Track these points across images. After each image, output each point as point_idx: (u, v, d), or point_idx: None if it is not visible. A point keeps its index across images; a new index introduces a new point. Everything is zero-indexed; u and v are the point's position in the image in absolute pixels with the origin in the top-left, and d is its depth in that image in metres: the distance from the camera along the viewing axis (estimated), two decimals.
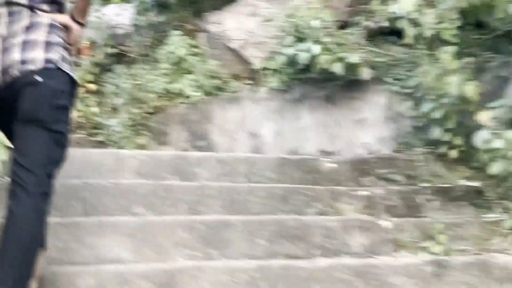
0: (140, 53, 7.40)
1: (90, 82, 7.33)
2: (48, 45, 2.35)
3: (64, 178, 3.19)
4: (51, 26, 2.41)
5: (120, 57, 7.70)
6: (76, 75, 2.49)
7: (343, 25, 6.04)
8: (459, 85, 3.76)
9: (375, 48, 5.26)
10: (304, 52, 4.99)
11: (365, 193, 3.61)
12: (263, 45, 6.14)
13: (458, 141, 4.02)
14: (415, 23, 4.28)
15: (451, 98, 3.92)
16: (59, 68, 2.33)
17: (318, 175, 3.94)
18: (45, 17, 2.41)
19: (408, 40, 4.25)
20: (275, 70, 5.58)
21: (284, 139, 5.60)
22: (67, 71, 2.38)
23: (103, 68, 7.57)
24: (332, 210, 3.43)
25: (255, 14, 6.35)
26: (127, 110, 6.67)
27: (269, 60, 5.70)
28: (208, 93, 6.40)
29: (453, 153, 4.06)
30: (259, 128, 5.82)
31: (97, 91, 7.39)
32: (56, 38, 2.40)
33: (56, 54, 2.35)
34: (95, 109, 7.10)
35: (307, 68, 5.25)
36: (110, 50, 7.52)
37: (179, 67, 6.78)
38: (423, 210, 3.73)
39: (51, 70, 2.30)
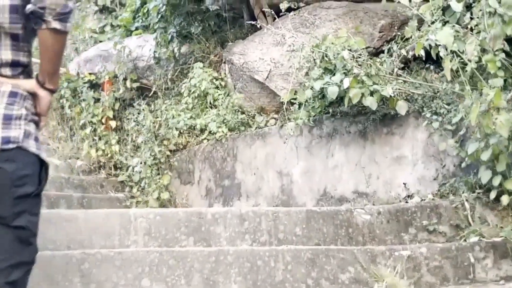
0: (162, 86, 7.15)
1: (110, 118, 7.10)
2: (7, 119, 1.97)
3: (64, 247, 2.88)
4: (13, 95, 2.03)
5: (142, 91, 7.47)
6: (44, 153, 2.13)
7: (375, 52, 5.66)
8: (509, 123, 3.32)
9: (411, 78, 4.85)
10: (333, 85, 4.61)
11: (406, 252, 3.17)
12: (289, 76, 5.78)
13: (510, 186, 3.56)
14: (455, 53, 3.86)
15: (500, 138, 3.47)
16: (21, 148, 1.96)
17: (352, 229, 3.53)
18: (4, 84, 2.02)
19: (447, 74, 3.81)
20: (303, 103, 5.21)
21: (315, 179, 5.22)
22: (33, 150, 2.02)
23: (124, 103, 7.35)
24: (369, 275, 3.01)
25: (281, 43, 6.02)
26: (148, 148, 6.39)
27: (296, 92, 5.33)
28: (233, 129, 6.09)
29: (505, 200, 3.60)
30: (288, 166, 5.46)
31: (118, 127, 7.16)
32: (18, 110, 2.03)
33: (17, 131, 1.97)
34: (116, 147, 6.86)
35: (337, 101, 4.87)
36: (131, 84, 7.28)
37: (203, 101, 6.51)
38: (473, 270, 3.28)
39: (9, 152, 1.91)
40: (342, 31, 5.30)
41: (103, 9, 12.48)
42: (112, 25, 11.36)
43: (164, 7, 7.05)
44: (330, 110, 5.13)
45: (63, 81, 7.60)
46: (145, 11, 9.32)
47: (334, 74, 4.77)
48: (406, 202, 4.41)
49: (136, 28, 9.34)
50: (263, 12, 6.82)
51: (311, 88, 4.84)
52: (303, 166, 5.34)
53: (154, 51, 7.29)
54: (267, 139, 5.70)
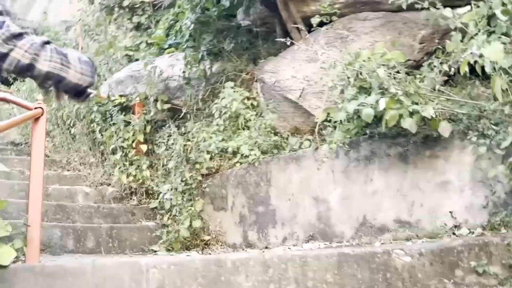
0: (192, 107, 6.94)
1: (141, 142, 6.93)
2: None
3: None
4: None
5: (173, 112, 7.28)
6: None
7: (416, 65, 5.31)
8: None
9: (454, 94, 4.46)
10: (368, 107, 4.29)
11: None
12: (324, 94, 5.49)
13: None
14: (505, 70, 3.49)
15: None
16: None
17: (390, 274, 3.18)
18: None
19: (498, 95, 3.44)
20: (338, 123, 4.90)
21: (353, 206, 4.90)
22: None
23: (155, 126, 7.18)
24: None
25: (314, 59, 5.71)
26: (179, 173, 6.18)
27: (331, 111, 5.02)
28: (266, 152, 5.82)
29: None
30: (324, 192, 5.15)
31: (149, 151, 6.98)
32: None
33: None
34: (147, 173, 6.69)
35: (374, 121, 4.53)
36: (162, 106, 7.10)
37: (234, 123, 6.27)
38: None
39: None
40: (379, 44, 4.97)
41: (138, 26, 12.46)
42: (147, 43, 11.30)
43: (193, 25, 6.85)
44: (367, 131, 4.81)
45: (93, 104, 7.49)
46: (177, 28, 9.19)
47: (369, 94, 4.45)
48: (453, 233, 4.04)
49: (169, 46, 9.21)
50: (296, 26, 6.56)
51: (345, 111, 4.52)
52: (340, 192, 5.02)
53: (183, 71, 7.10)
54: (301, 162, 5.40)
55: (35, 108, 4.04)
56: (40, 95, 4.20)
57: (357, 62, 4.61)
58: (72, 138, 7.63)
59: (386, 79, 4.34)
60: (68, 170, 7.29)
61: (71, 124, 7.67)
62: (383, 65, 4.57)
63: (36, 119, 4.02)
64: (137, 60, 10.58)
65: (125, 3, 12.33)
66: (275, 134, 5.99)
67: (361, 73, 4.56)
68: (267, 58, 6.47)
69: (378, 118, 4.42)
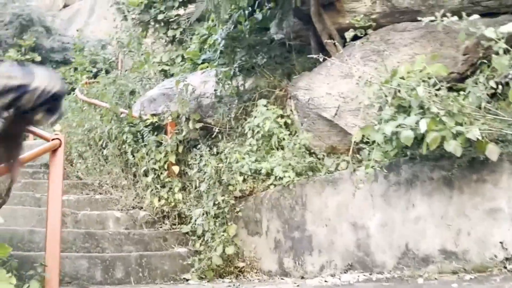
0: (225, 126, 6.73)
1: (173, 164, 6.76)
2: None
3: None
4: None
5: (206, 131, 7.09)
6: None
7: (460, 78, 4.98)
8: None
9: (503, 112, 4.11)
10: (407, 129, 3.98)
11: None
12: (360, 111, 5.19)
13: None
14: None
15: None
16: None
17: None
18: None
19: None
20: (376, 145, 4.59)
21: (394, 233, 4.59)
22: None
23: (187, 146, 6.99)
24: None
25: (349, 74, 5.44)
26: (212, 196, 5.97)
27: (368, 131, 4.72)
28: (300, 174, 5.55)
29: None
30: (363, 217, 4.86)
31: (181, 173, 6.81)
32: None
33: None
34: (179, 195, 6.51)
35: (415, 142, 4.22)
36: (194, 125, 6.91)
37: (267, 142, 6.04)
38: None
39: None
40: (419, 57, 4.65)
41: (173, 40, 12.38)
42: (182, 57, 11.20)
43: (224, 41, 6.64)
44: (408, 153, 4.49)
45: (125, 125, 7.37)
46: (210, 42, 9.02)
47: (408, 113, 4.15)
48: (504, 267, 3.69)
49: (203, 61, 9.04)
50: (332, 39, 6.29)
51: (382, 133, 4.22)
52: (380, 218, 4.71)
53: (215, 90, 6.90)
54: (338, 185, 5.12)
55: (53, 139, 3.89)
56: (58, 125, 4.05)
57: (395, 80, 4.31)
58: (105, 160, 7.52)
59: (426, 98, 4.03)
60: (100, 194, 7.18)
61: (104, 145, 7.56)
62: (423, 81, 4.27)
63: (54, 150, 3.87)
64: (172, 75, 10.50)
65: (160, 17, 12.27)
66: (310, 154, 5.73)
67: (399, 91, 4.26)
68: (301, 73, 6.21)
69: (419, 140, 4.11)
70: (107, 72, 16.45)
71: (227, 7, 5.34)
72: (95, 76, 14.43)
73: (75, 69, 19.55)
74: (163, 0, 12.15)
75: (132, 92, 9.71)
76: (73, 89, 11.66)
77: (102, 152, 7.58)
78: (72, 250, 5.45)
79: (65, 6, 32.09)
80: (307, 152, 5.72)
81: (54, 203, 3.76)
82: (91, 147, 7.83)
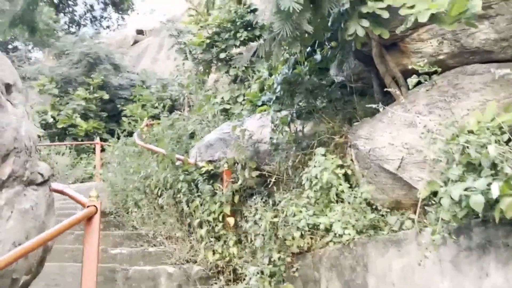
0: (282, 175, 6.43)
1: (228, 215, 6.50)
2: None
3: None
4: None
5: (262, 179, 6.81)
6: None
7: None
8: None
9: None
10: (478, 193, 3.56)
11: None
12: (427, 165, 4.78)
13: None
14: None
15: None
16: None
17: None
18: None
19: None
20: (443, 205, 4.17)
21: None
22: None
23: (244, 194, 6.72)
24: None
25: (414, 123, 5.04)
26: (267, 252, 5.66)
27: (435, 187, 4.31)
28: (362, 231, 5.16)
29: None
30: (430, 284, 4.41)
31: (237, 224, 6.54)
32: None
33: None
34: (234, 250, 6.23)
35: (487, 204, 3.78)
36: (250, 173, 6.65)
37: (326, 195, 5.69)
38: None
39: None
40: (491, 105, 4.23)
41: (235, 79, 12.28)
42: (244, 96, 11.04)
43: (279, 86, 6.39)
44: (480, 214, 4.04)
45: (180, 173, 7.20)
46: (270, 83, 8.80)
47: (478, 173, 3.72)
48: None
49: (263, 103, 8.81)
50: (395, 81, 5.92)
51: (448, 196, 3.80)
52: (449, 287, 4.24)
53: (271, 137, 6.63)
54: (402, 247, 4.70)
55: (88, 206, 3.70)
56: (94, 190, 3.87)
57: (463, 136, 3.90)
58: (160, 209, 7.36)
59: (499, 157, 3.60)
60: (153, 245, 7.00)
61: (159, 194, 7.42)
62: (495, 134, 3.84)
63: (89, 219, 3.68)
64: (233, 114, 10.34)
65: (222, 56, 12.22)
66: (372, 209, 5.34)
67: (467, 147, 3.85)
68: (362, 120, 5.85)
69: (491, 204, 3.68)
70: (171, 111, 16.59)
71: (279, 54, 5.09)
72: (158, 117, 14.48)
73: (143, 105, 19.85)
74: (224, 39, 12.11)
75: (192, 136, 9.61)
76: (131, 134, 11.69)
77: (158, 201, 7.42)
78: None
79: (135, 42, 33.04)
80: (369, 206, 5.33)
81: (89, 278, 3.55)
82: (147, 195, 7.70)
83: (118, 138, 11.95)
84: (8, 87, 3.52)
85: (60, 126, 18.72)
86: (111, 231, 7.61)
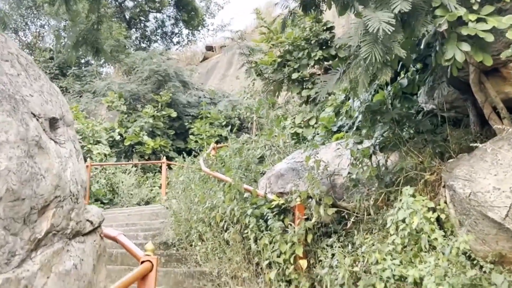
0: (361, 215, 5.76)
1: (300, 257, 5.87)
2: None
3: None
4: None
5: (339, 217, 6.16)
6: None
7: None
8: None
9: None
10: None
11: None
12: None
13: None
14: None
15: None
16: None
17: None
18: None
19: None
20: None
21: None
22: None
23: (317, 235, 6.08)
24: None
25: None
26: None
27: None
28: None
29: None
30: None
31: (309, 269, 5.90)
32: None
33: None
34: None
35: None
36: (326, 210, 6.01)
37: (415, 243, 4.99)
38: None
39: None
40: None
41: (308, 101, 11.67)
42: (317, 118, 10.42)
43: (360, 116, 5.72)
44: None
45: (247, 207, 6.64)
46: (348, 108, 8.14)
47: None
48: None
49: (338, 129, 8.16)
50: (497, 112, 5.19)
51: None
52: None
53: (349, 173, 5.97)
54: None
55: (142, 262, 3.17)
56: (150, 243, 3.33)
57: None
58: (226, 244, 6.80)
59: None
60: (218, 286, 6.43)
61: (225, 228, 6.87)
62: None
63: (143, 277, 3.14)
64: (305, 139, 9.74)
65: (294, 76, 11.64)
66: (472, 264, 4.58)
67: None
68: (459, 156, 5.11)
69: None
70: (239, 130, 16.14)
71: (366, 82, 4.45)
72: (224, 138, 14.03)
73: (211, 123, 19.55)
74: (297, 58, 11.54)
75: (261, 161, 9.06)
76: (194, 156, 11.24)
77: (223, 236, 6.87)
78: None
79: (204, 59, 33.02)
80: (468, 260, 4.58)
81: None
82: (212, 228, 7.16)
83: (185, 157, 11.53)
84: (53, 122, 3.05)
85: (127, 143, 18.64)
86: (173, 267, 7.11)
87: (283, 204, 6.53)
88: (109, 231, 3.74)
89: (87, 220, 3.23)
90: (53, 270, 2.66)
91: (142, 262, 3.19)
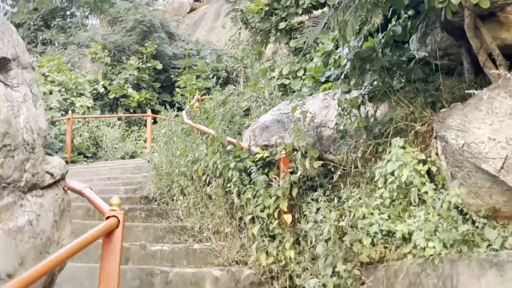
0: (348, 168, 5.52)
1: (285, 212, 5.65)
2: None
3: None
4: None
5: (325, 171, 5.91)
6: None
7: None
8: None
9: None
10: None
11: None
12: None
13: None
14: None
15: None
16: None
17: None
18: None
19: None
20: None
21: None
22: None
23: (303, 189, 5.84)
24: None
25: None
26: (331, 260, 4.80)
27: None
28: (451, 246, 4.20)
29: None
30: None
31: (294, 223, 5.68)
32: None
33: None
34: (291, 253, 5.38)
35: None
36: (311, 163, 5.75)
37: (404, 196, 4.76)
38: None
39: None
40: None
41: (296, 51, 11.31)
42: (305, 70, 10.08)
43: (349, 64, 5.41)
44: None
45: (230, 160, 6.37)
46: (336, 57, 7.81)
47: None
48: None
49: (327, 79, 7.84)
50: (492, 59, 4.89)
51: None
52: None
53: (336, 124, 5.70)
54: (506, 272, 3.75)
55: (107, 217, 2.91)
56: (116, 197, 3.04)
57: None
58: (208, 198, 6.56)
59: None
60: (199, 241, 6.21)
61: (207, 182, 6.60)
62: None
63: (108, 234, 2.88)
64: (293, 92, 9.42)
65: (282, 25, 11.23)
66: (464, 218, 4.37)
67: None
68: (452, 106, 4.83)
69: None
70: (226, 83, 15.75)
71: (355, 24, 4.12)
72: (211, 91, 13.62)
73: (197, 76, 19.12)
74: (285, 6, 11.11)
75: (246, 114, 8.76)
76: (180, 109, 10.92)
77: (206, 190, 6.61)
78: None
79: (191, 10, 32.25)
80: (460, 215, 4.36)
81: None
82: (194, 182, 6.90)
83: (168, 109, 11.17)
84: (4, 63, 2.72)
85: (111, 96, 18.24)
86: (153, 222, 6.87)
87: (267, 157, 6.27)
88: (75, 184, 3.45)
89: (47, 172, 2.94)
90: (1, 227, 2.39)
91: (108, 218, 2.92)
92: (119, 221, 2.92)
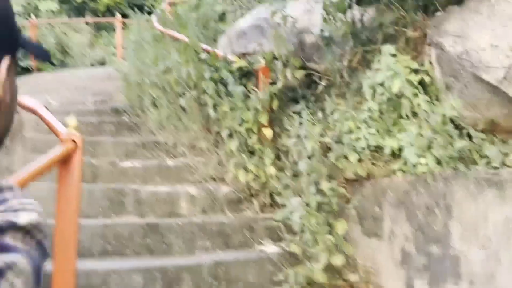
0: (334, 78, 5.13)
1: (264, 126, 5.30)
2: None
3: None
4: None
5: (308, 81, 5.53)
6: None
7: None
8: None
9: None
10: None
11: None
12: None
13: None
14: None
15: None
16: None
17: None
18: None
19: None
20: None
21: None
22: None
23: (284, 101, 5.47)
24: None
25: None
26: (314, 178, 4.51)
27: None
28: (444, 162, 3.91)
29: None
30: None
31: (275, 138, 5.35)
32: None
33: None
34: (271, 170, 5.09)
35: None
36: (293, 73, 5.37)
37: (394, 109, 4.41)
38: None
39: None
40: None
41: None
42: None
43: None
44: None
45: (205, 70, 5.93)
46: None
47: None
48: None
49: None
50: None
51: None
52: None
53: (321, 30, 5.25)
54: (506, 190, 3.48)
55: (62, 141, 2.51)
56: (72, 118, 2.63)
57: None
58: (182, 111, 6.16)
59: None
60: (173, 157, 5.86)
61: (181, 93, 6.18)
62: None
63: (65, 160, 2.49)
64: None
65: None
66: (460, 133, 4.05)
67: None
68: (448, 9, 4.40)
69: None
70: None
71: None
72: None
73: None
74: None
75: (222, 18, 8.22)
76: (150, 13, 10.26)
77: (179, 102, 6.20)
78: (126, 254, 4.25)
79: None
80: (456, 130, 4.05)
81: (65, 242, 2.43)
82: (167, 93, 6.46)
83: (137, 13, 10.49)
84: None
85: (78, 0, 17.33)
86: (124, 135, 6.50)
87: (245, 66, 5.84)
88: (27, 101, 3.00)
89: None
90: None
91: (63, 142, 2.53)
92: (76, 145, 2.53)
